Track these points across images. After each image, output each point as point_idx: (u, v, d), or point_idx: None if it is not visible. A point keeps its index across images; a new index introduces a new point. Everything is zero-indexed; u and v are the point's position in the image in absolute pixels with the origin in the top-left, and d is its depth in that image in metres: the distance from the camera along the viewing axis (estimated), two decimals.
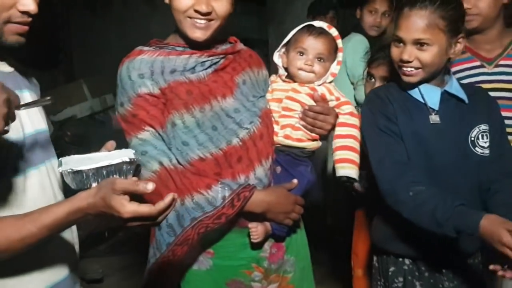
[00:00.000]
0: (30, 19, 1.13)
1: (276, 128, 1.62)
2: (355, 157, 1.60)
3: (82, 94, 5.11)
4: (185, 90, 1.47)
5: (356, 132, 1.62)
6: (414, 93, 1.62)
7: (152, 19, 5.50)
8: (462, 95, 1.61)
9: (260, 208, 1.49)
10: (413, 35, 1.52)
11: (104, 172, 1.13)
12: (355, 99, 3.08)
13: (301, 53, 1.61)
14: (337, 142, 1.61)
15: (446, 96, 1.61)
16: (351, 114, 1.63)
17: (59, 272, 1.23)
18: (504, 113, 1.80)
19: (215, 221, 1.43)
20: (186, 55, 1.50)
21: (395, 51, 1.59)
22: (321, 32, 1.61)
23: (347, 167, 1.59)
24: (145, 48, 1.52)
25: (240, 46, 1.65)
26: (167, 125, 1.47)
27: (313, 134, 1.61)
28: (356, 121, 1.63)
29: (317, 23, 1.63)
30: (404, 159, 1.57)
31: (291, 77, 1.66)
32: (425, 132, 1.58)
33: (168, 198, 1.07)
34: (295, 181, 1.57)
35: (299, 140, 1.61)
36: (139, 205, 1.03)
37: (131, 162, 1.15)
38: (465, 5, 1.69)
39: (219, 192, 1.44)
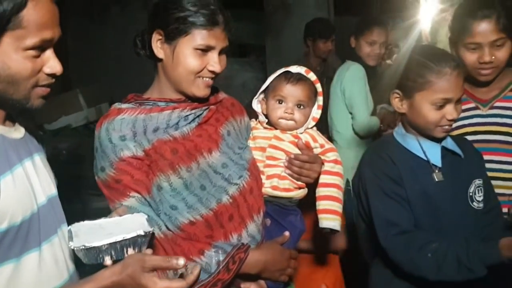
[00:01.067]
0: (54, 80, 1.12)
1: (262, 178, 1.58)
2: (339, 207, 1.57)
3: (78, 104, 5.09)
4: (169, 149, 1.40)
5: (339, 181, 1.59)
6: (416, 150, 1.60)
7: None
8: (457, 149, 1.62)
9: (256, 268, 1.45)
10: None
11: (118, 247, 1.10)
12: (353, 129, 3.05)
13: (280, 101, 1.59)
14: (321, 191, 1.58)
15: (444, 152, 1.61)
16: (335, 161, 1.60)
17: None
18: (497, 157, 1.81)
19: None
20: (168, 110, 1.43)
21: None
22: (299, 78, 1.58)
23: (331, 218, 1.55)
24: (124, 106, 1.44)
25: (222, 95, 1.62)
26: (153, 189, 1.39)
27: (299, 183, 1.58)
28: (340, 168, 1.60)
29: (294, 69, 1.60)
30: (411, 226, 1.56)
31: (272, 124, 1.62)
32: (431, 190, 1.58)
33: (196, 271, 1.10)
34: (287, 233, 1.55)
35: (287, 190, 1.58)
36: (171, 281, 1.06)
37: (146, 235, 1.13)
38: (485, 58, 1.75)
39: (213, 258, 1.38)
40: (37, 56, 1.07)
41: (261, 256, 1.46)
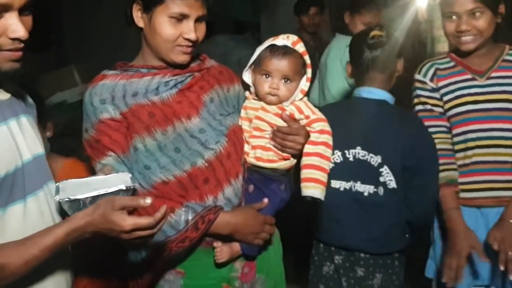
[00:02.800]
0: (22, 45, 1.14)
1: (247, 148, 1.62)
2: (322, 176, 1.57)
3: (73, 80, 5.07)
4: (147, 113, 1.47)
5: (324, 150, 1.58)
6: None
7: None
8: None
9: (226, 230, 1.51)
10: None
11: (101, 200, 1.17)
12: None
13: (267, 75, 1.59)
14: (304, 160, 1.59)
15: None
16: (320, 131, 1.59)
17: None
18: (498, 125, 1.87)
19: (178, 244, 1.45)
20: (149, 77, 1.50)
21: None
22: (285, 52, 1.57)
23: (311, 186, 1.56)
24: (110, 72, 1.53)
25: (210, 63, 1.65)
26: (130, 149, 1.47)
27: (284, 154, 1.60)
28: (326, 138, 1.60)
29: (281, 41, 1.58)
30: None
31: (257, 95, 1.64)
32: None
33: (163, 209, 1.15)
34: (265, 200, 1.58)
35: (270, 161, 1.60)
36: (139, 217, 1.14)
37: (127, 190, 1.19)
38: (461, 27, 1.81)
39: (182, 216, 1.45)
40: None
41: (232, 218, 1.51)
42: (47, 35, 5.64)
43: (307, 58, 1.60)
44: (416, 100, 2.01)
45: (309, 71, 1.61)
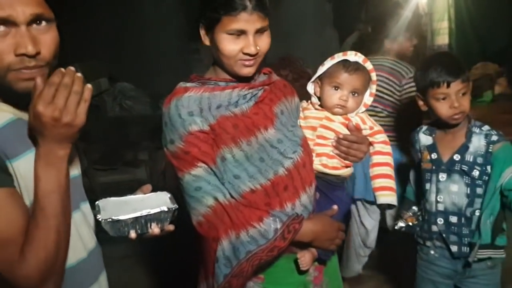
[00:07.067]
0: (33, 63, 1.08)
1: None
2: (393, 184, 1.72)
3: None
4: (231, 124, 1.52)
5: (391, 160, 1.73)
6: None
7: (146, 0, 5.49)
8: None
9: (308, 238, 1.57)
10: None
11: (143, 221, 1.18)
12: None
13: (336, 88, 1.68)
14: (375, 170, 1.72)
15: None
16: (384, 142, 1.73)
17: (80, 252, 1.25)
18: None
19: (268, 253, 1.49)
20: (229, 90, 1.56)
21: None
22: (357, 68, 1.68)
23: (388, 194, 1.70)
24: (189, 85, 1.57)
25: (275, 76, 1.72)
26: (217, 160, 1.52)
27: (347, 162, 1.69)
28: (389, 149, 1.74)
29: (353, 57, 1.68)
30: None
31: (323, 106, 1.73)
32: None
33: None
34: (335, 207, 1.66)
35: (335, 168, 1.69)
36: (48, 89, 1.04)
37: (168, 211, 1.20)
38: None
39: (271, 225, 1.49)
40: None
41: (313, 226, 1.57)
42: None
43: (373, 75, 1.72)
44: None
45: (373, 86, 1.73)
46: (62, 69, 1.06)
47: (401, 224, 2.14)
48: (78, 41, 5.75)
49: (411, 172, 2.27)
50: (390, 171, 1.71)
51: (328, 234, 1.61)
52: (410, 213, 2.13)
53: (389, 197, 1.70)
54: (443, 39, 5.83)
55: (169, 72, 5.40)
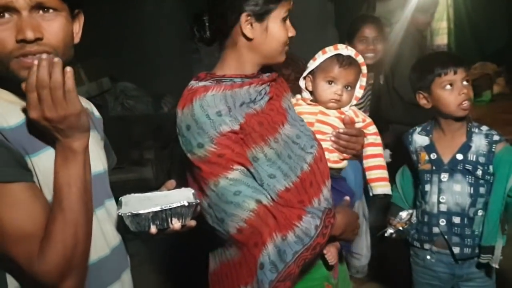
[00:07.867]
0: (34, 48, 1.06)
1: None
2: (386, 173, 1.77)
3: (79, 78, 5.13)
4: (256, 122, 1.46)
5: (382, 150, 1.78)
6: None
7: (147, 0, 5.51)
8: None
9: (338, 231, 1.54)
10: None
11: (163, 215, 1.17)
12: None
13: (330, 82, 1.70)
14: (369, 162, 1.76)
15: None
16: (376, 134, 1.78)
17: (103, 249, 1.24)
18: None
19: (312, 252, 1.44)
20: (246, 86, 1.48)
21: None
22: (351, 62, 1.69)
23: (383, 185, 1.75)
24: (202, 83, 1.46)
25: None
26: (249, 160, 1.44)
27: (345, 155, 1.72)
28: (380, 140, 1.79)
29: (345, 51, 1.69)
30: None
31: (316, 100, 1.74)
32: None
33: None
34: (347, 198, 1.69)
35: (336, 161, 1.72)
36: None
37: (189, 205, 1.18)
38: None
39: (311, 222, 1.44)
40: None
41: (342, 219, 1.56)
42: None
43: (364, 68, 1.75)
44: None
45: (363, 79, 1.76)
46: (35, 66, 1.01)
47: (390, 230, 2.10)
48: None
49: (398, 176, 2.25)
50: (382, 161, 1.76)
51: (352, 225, 1.62)
52: (398, 219, 2.09)
53: (385, 188, 1.75)
54: (442, 39, 5.87)
55: (170, 71, 5.44)
